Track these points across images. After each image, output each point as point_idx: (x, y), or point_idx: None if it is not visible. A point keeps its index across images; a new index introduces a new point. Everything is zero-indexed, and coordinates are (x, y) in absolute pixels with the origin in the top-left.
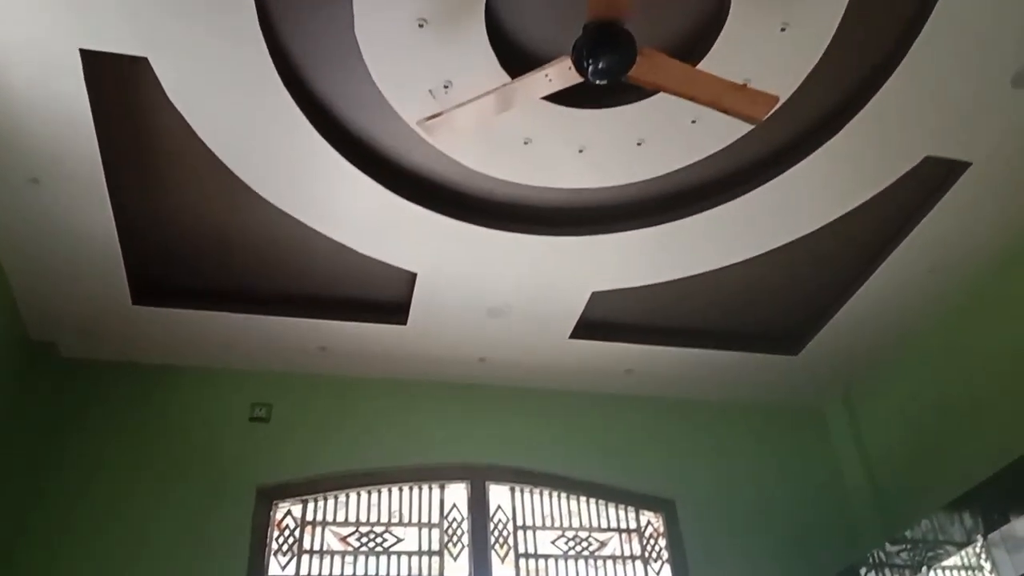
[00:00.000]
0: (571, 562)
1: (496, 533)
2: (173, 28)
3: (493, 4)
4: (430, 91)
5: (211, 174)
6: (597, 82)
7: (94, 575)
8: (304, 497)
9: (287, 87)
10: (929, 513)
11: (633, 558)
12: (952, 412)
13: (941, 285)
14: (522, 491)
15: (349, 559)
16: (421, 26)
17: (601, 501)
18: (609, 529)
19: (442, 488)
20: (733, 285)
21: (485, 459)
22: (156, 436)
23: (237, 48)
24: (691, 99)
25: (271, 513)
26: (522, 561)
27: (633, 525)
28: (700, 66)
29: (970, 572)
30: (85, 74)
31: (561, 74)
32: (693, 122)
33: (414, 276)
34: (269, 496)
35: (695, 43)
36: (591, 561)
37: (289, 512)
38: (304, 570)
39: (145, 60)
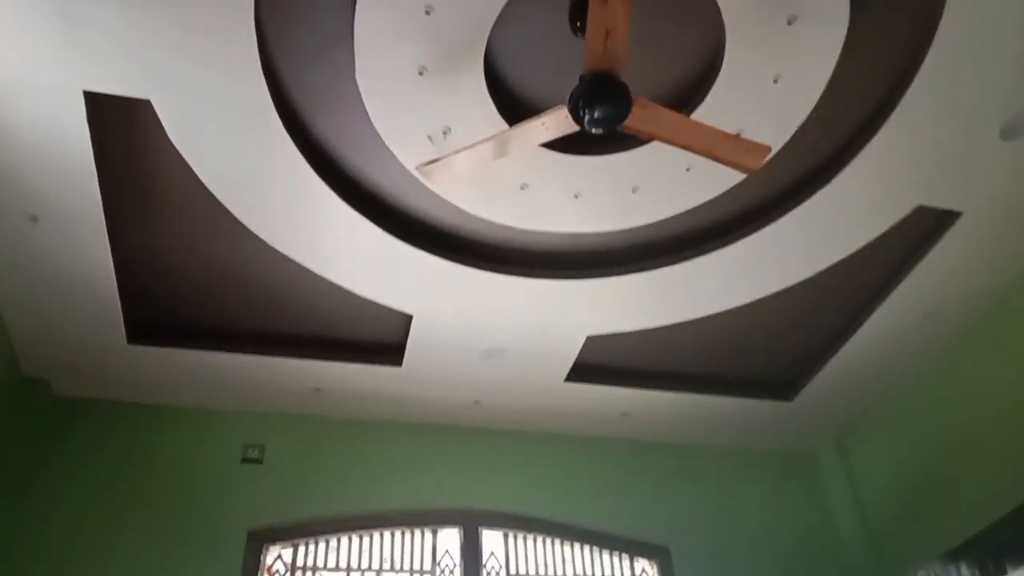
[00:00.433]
0: None
1: None
2: (176, 71)
3: (492, 54)
4: (429, 137)
5: (210, 215)
6: (593, 131)
7: None
8: (295, 541)
9: (287, 130)
10: (925, 562)
11: None
12: (945, 459)
13: (934, 332)
14: (515, 537)
15: None
16: (421, 74)
17: (595, 548)
18: None
19: (434, 533)
20: (728, 330)
21: (479, 504)
22: (147, 476)
23: (239, 92)
24: (685, 148)
25: (261, 557)
26: None
27: (628, 574)
28: (694, 116)
29: None
30: (88, 115)
31: (557, 122)
32: (687, 170)
33: (410, 318)
34: (260, 539)
35: (690, 93)
36: None
37: (279, 557)
38: None
39: (148, 102)
